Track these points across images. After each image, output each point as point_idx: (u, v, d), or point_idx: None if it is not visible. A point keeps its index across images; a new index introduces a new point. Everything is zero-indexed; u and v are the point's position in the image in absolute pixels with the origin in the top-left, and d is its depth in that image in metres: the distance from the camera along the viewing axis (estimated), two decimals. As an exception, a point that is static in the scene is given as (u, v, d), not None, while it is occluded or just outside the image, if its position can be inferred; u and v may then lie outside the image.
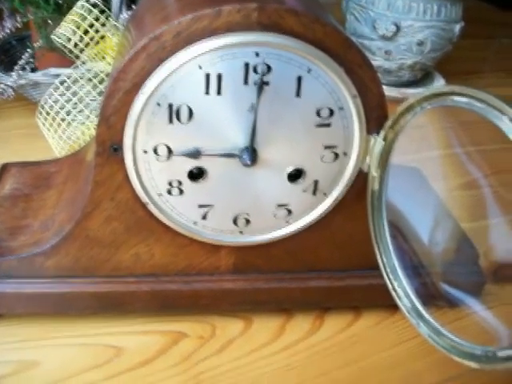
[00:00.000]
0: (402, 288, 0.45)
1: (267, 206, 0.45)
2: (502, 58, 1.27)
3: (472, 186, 0.62)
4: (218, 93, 0.39)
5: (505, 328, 0.43)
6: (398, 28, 0.90)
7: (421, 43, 0.92)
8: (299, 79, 0.40)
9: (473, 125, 0.37)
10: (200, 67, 0.38)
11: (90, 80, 0.67)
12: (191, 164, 0.42)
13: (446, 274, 0.52)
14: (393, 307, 0.47)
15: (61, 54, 0.70)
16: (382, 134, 0.43)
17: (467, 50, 1.12)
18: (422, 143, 0.53)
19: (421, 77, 1.02)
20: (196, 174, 0.43)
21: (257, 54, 0.38)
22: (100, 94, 0.68)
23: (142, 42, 0.38)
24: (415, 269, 0.49)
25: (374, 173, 0.44)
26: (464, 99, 0.36)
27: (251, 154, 0.41)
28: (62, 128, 0.67)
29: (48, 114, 0.67)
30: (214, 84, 0.39)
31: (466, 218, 0.58)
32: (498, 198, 0.57)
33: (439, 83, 1.03)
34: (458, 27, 0.94)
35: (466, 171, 0.65)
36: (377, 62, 0.95)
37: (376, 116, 0.43)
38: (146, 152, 0.41)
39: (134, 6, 0.69)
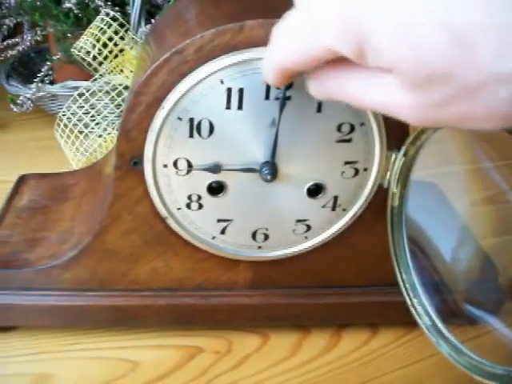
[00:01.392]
0: (421, 305, 0.44)
1: (286, 222, 0.45)
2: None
3: (492, 201, 0.62)
4: (239, 107, 0.39)
5: (527, 348, 0.42)
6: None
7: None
8: (321, 94, 0.39)
9: (494, 138, 0.37)
10: (222, 82, 0.38)
11: (108, 93, 0.67)
12: (211, 178, 0.42)
13: (466, 292, 0.51)
14: (410, 324, 0.46)
15: (79, 66, 0.71)
16: (403, 149, 0.42)
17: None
18: (441, 157, 0.52)
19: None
20: (216, 189, 0.43)
21: (279, 69, 0.38)
22: (118, 106, 0.68)
23: (163, 56, 0.38)
24: (435, 286, 0.49)
25: (394, 189, 0.44)
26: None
27: (271, 169, 0.41)
28: (79, 140, 0.67)
29: (66, 126, 0.68)
30: (236, 99, 0.39)
31: (486, 234, 0.58)
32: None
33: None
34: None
35: (487, 185, 0.64)
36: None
37: (397, 132, 0.43)
38: (166, 166, 0.41)
39: (152, 20, 0.69)
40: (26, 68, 0.89)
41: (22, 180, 0.60)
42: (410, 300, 0.45)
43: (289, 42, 0.29)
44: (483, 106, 0.23)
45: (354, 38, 0.25)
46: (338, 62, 0.27)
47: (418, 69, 0.24)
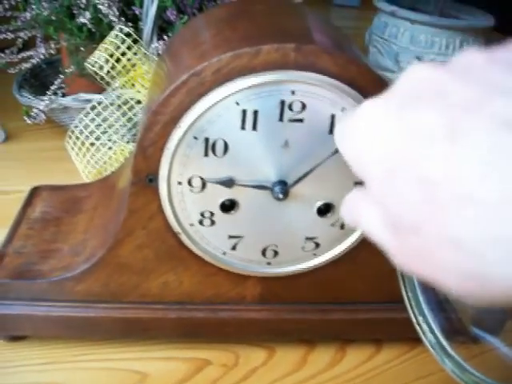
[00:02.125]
0: (426, 323, 0.45)
1: (296, 239, 0.46)
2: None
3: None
4: (254, 128, 0.40)
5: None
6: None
7: (442, 77, 0.93)
8: (333, 117, 0.41)
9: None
10: (237, 103, 0.40)
11: (119, 106, 0.68)
12: (224, 196, 0.43)
13: (470, 310, 0.52)
14: (414, 341, 0.47)
15: (90, 80, 0.72)
16: (411, 171, 0.43)
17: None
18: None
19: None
20: (228, 206, 0.44)
21: (293, 92, 0.39)
22: (129, 120, 0.69)
23: (181, 77, 0.39)
24: (440, 304, 0.50)
25: (402, 209, 0.45)
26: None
27: (283, 188, 0.42)
28: (90, 153, 0.68)
29: (78, 138, 0.69)
30: (250, 120, 0.40)
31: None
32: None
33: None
34: (479, 61, 0.95)
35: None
36: (398, 94, 0.96)
37: (405, 154, 0.44)
38: (180, 183, 0.42)
39: (164, 36, 0.70)
40: (37, 79, 0.90)
41: (34, 191, 0.61)
42: (415, 317, 0.46)
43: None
44: (443, 268, 0.23)
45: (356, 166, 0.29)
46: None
47: (392, 213, 0.25)
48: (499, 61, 0.24)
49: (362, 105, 0.29)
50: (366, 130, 0.27)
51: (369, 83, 0.41)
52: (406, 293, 0.46)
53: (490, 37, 0.97)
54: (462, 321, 0.50)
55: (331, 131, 0.41)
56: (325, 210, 0.45)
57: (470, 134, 0.22)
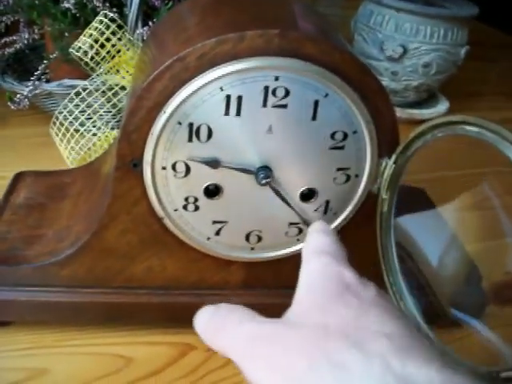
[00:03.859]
0: (408, 308, 0.46)
1: (279, 224, 0.47)
2: (503, 81, 1.29)
3: (478, 207, 0.63)
4: (238, 114, 0.41)
5: (508, 349, 0.44)
6: (405, 50, 0.92)
7: (427, 65, 0.94)
8: (316, 103, 0.41)
9: (482, 145, 0.38)
10: (221, 89, 0.40)
11: (104, 92, 0.68)
12: (208, 181, 0.44)
13: (451, 295, 0.53)
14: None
15: (75, 65, 0.72)
16: (393, 157, 0.44)
17: (470, 71, 1.13)
18: (427, 163, 0.54)
19: (425, 97, 1.03)
20: (212, 191, 0.44)
21: (276, 78, 0.40)
22: (113, 106, 0.69)
23: (165, 62, 0.39)
24: (421, 289, 0.50)
25: (384, 195, 0.45)
26: (475, 129, 0.37)
27: (267, 173, 0.43)
28: (75, 139, 0.68)
29: (62, 124, 0.69)
30: (234, 105, 0.40)
31: (471, 240, 0.60)
32: (504, 219, 0.58)
33: (443, 104, 1.04)
34: (463, 51, 0.96)
35: (473, 192, 0.66)
36: (383, 82, 0.96)
37: (388, 140, 0.44)
38: (164, 168, 0.43)
39: (149, 22, 0.70)
40: (20, 64, 0.89)
41: (18, 177, 0.61)
42: (397, 302, 0.46)
43: None
44: None
45: None
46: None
47: None
48: None
49: None
50: None
51: (352, 70, 0.41)
52: (388, 278, 0.47)
53: (474, 26, 0.98)
54: (442, 305, 0.50)
55: (314, 117, 0.41)
56: (308, 195, 0.45)
57: None
